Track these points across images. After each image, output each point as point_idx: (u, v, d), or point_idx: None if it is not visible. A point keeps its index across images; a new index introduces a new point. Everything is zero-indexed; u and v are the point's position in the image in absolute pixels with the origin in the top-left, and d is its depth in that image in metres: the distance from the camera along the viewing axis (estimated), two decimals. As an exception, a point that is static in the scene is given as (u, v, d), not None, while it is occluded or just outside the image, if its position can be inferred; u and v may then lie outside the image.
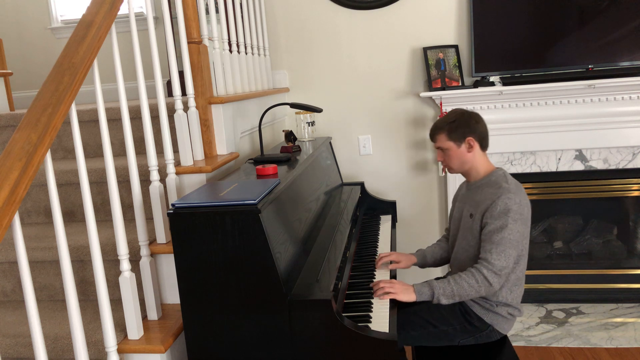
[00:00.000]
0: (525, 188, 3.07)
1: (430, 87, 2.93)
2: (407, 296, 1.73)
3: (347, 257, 1.94)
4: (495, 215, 1.76)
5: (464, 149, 1.88)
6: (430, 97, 2.95)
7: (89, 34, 1.50)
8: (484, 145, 1.91)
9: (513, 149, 2.96)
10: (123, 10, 1.78)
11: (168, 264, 1.83)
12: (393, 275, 2.03)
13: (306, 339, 1.45)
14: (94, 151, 2.52)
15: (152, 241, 1.84)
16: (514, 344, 2.67)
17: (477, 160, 1.90)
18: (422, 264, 2.14)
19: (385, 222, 2.61)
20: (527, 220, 1.80)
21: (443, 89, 2.90)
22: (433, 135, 1.93)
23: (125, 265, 1.61)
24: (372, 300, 1.71)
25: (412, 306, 1.81)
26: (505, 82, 2.84)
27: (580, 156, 2.94)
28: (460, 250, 1.93)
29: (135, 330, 1.64)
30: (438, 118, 1.96)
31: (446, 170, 2.99)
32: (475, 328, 1.84)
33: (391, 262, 2.05)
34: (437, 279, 2.13)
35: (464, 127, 1.86)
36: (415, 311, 1.82)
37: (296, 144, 2.48)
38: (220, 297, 1.49)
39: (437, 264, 2.14)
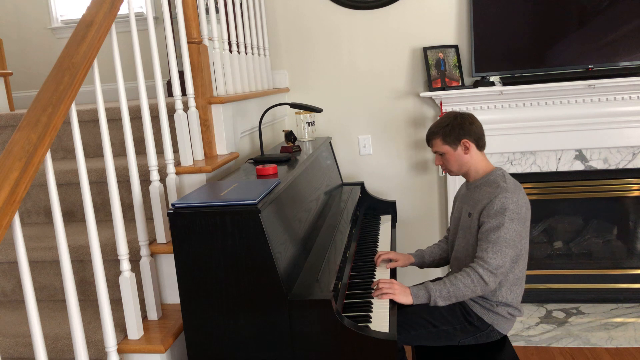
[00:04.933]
0: (525, 188, 3.09)
1: (430, 87, 2.93)
2: (405, 298, 1.73)
3: (347, 257, 1.94)
4: (492, 214, 1.76)
5: (460, 151, 1.89)
6: (430, 97, 2.95)
7: (89, 34, 1.50)
8: (480, 145, 1.91)
9: (513, 149, 2.96)
10: (123, 10, 1.78)
11: (168, 264, 1.83)
12: (393, 275, 2.03)
13: (306, 339, 1.45)
14: (94, 151, 2.52)
15: (152, 241, 1.84)
16: (514, 344, 2.67)
17: (475, 161, 1.90)
18: (421, 264, 2.14)
19: (385, 222, 2.61)
20: (525, 220, 1.80)
21: (443, 89, 2.90)
22: (429, 141, 1.95)
23: (125, 265, 1.61)
24: (372, 300, 1.71)
25: (412, 306, 1.81)
26: (505, 82, 2.84)
27: (580, 156, 2.94)
28: (460, 250, 1.93)
29: (135, 330, 1.64)
30: (436, 121, 1.97)
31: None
32: (475, 328, 1.84)
33: (390, 261, 2.05)
34: (435, 280, 2.13)
35: (458, 129, 1.87)
36: (415, 311, 1.82)
37: (296, 144, 2.48)
38: (220, 297, 1.49)
39: (435, 264, 2.14)
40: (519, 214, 1.76)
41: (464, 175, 1.97)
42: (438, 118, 2.93)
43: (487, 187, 1.86)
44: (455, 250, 1.97)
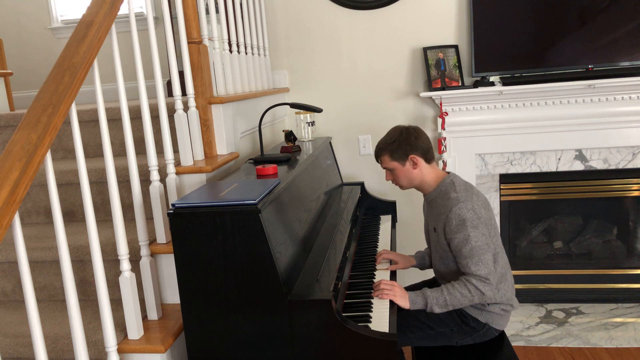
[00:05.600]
0: (525, 188, 3.10)
1: (430, 87, 2.93)
2: (403, 302, 1.74)
3: (347, 257, 1.94)
4: (454, 230, 1.76)
5: (408, 166, 1.89)
6: (430, 97, 2.95)
7: (89, 34, 1.50)
8: (428, 159, 1.91)
9: (513, 149, 2.96)
10: (123, 10, 1.78)
11: (168, 264, 1.83)
12: (393, 277, 2.03)
13: (306, 339, 1.45)
14: (94, 151, 2.52)
15: (152, 241, 1.84)
16: (513, 343, 2.67)
17: (425, 175, 1.91)
18: (422, 266, 2.14)
19: (385, 222, 2.61)
20: (487, 220, 1.79)
21: (443, 89, 2.90)
22: (377, 157, 1.96)
23: (125, 265, 1.61)
24: (372, 300, 1.71)
25: (410, 309, 1.81)
26: (505, 82, 2.84)
27: (580, 156, 2.94)
28: (437, 263, 1.94)
29: (135, 330, 1.64)
30: (383, 136, 1.98)
31: (446, 169, 2.99)
32: (471, 328, 1.84)
33: (391, 263, 2.05)
34: (433, 280, 2.13)
35: (405, 145, 1.87)
36: (412, 314, 1.82)
37: (296, 144, 2.48)
38: (220, 297, 1.49)
39: None
40: (479, 218, 1.76)
41: (417, 189, 1.97)
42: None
43: (440, 199, 1.86)
44: (434, 264, 1.99)
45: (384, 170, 1.96)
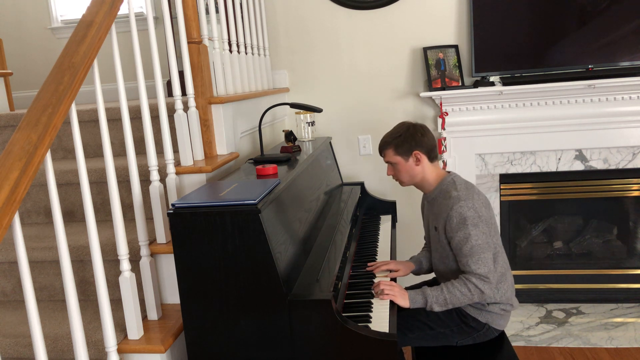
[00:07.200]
0: (525, 188, 3.10)
1: (430, 87, 2.93)
2: (403, 302, 1.74)
3: (347, 257, 1.94)
4: (455, 228, 1.76)
5: (411, 162, 1.89)
6: (430, 97, 2.95)
7: (89, 34, 1.50)
8: (432, 157, 1.91)
9: (513, 149, 2.96)
10: (123, 10, 1.78)
11: (168, 264, 1.83)
12: (392, 278, 2.02)
13: (306, 339, 1.45)
14: (94, 151, 2.52)
15: (152, 241, 1.84)
16: (513, 344, 2.67)
17: (426, 173, 1.91)
18: (419, 271, 2.13)
19: (385, 222, 2.61)
20: (487, 219, 1.79)
21: (443, 89, 2.90)
22: (381, 151, 1.96)
23: (125, 265, 1.61)
24: (372, 300, 1.71)
25: (410, 309, 1.81)
26: (505, 82, 2.84)
27: (580, 156, 2.94)
28: (437, 262, 1.94)
29: (135, 330, 1.64)
30: (389, 130, 1.98)
31: (446, 169, 2.99)
32: (472, 329, 1.84)
33: (390, 271, 2.04)
34: (433, 280, 2.13)
35: (410, 141, 1.87)
36: (412, 314, 1.82)
37: (296, 144, 2.48)
38: (220, 297, 1.49)
39: (432, 269, 2.13)
40: (480, 217, 1.76)
41: (417, 187, 1.97)
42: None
43: (441, 198, 1.86)
44: (434, 263, 1.98)
45: (386, 164, 1.96)
